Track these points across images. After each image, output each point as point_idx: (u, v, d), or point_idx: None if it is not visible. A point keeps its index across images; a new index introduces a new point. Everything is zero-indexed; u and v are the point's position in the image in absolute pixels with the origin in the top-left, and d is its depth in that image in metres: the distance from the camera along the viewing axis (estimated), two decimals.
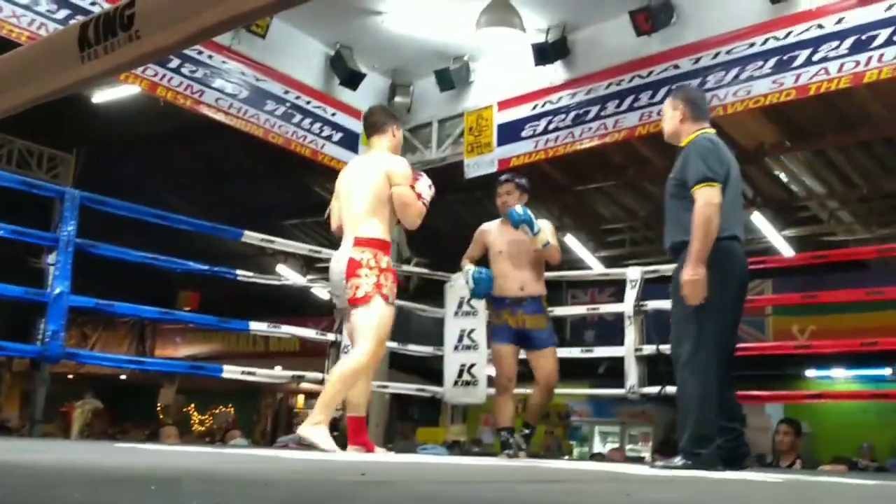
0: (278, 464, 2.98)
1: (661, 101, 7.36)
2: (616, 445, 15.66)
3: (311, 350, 11.93)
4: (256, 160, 12.41)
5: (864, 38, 6.31)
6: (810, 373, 14.13)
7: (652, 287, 6.57)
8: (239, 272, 6.39)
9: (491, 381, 6.45)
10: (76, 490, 1.54)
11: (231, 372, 6.33)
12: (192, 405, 20.47)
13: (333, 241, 15.85)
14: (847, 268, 10.48)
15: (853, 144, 9.90)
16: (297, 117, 8.39)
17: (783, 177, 10.85)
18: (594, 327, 13.43)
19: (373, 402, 9.52)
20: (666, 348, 6.25)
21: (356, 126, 8.90)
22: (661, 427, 15.70)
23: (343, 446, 4.71)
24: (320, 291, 13.03)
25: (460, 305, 7.09)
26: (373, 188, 4.72)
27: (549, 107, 8.17)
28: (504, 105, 8.39)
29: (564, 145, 8.00)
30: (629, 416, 16.43)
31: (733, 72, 6.99)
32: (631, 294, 6.46)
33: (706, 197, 4.09)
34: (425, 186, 4.87)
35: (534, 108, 8.24)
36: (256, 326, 6.69)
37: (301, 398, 20.14)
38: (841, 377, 14.03)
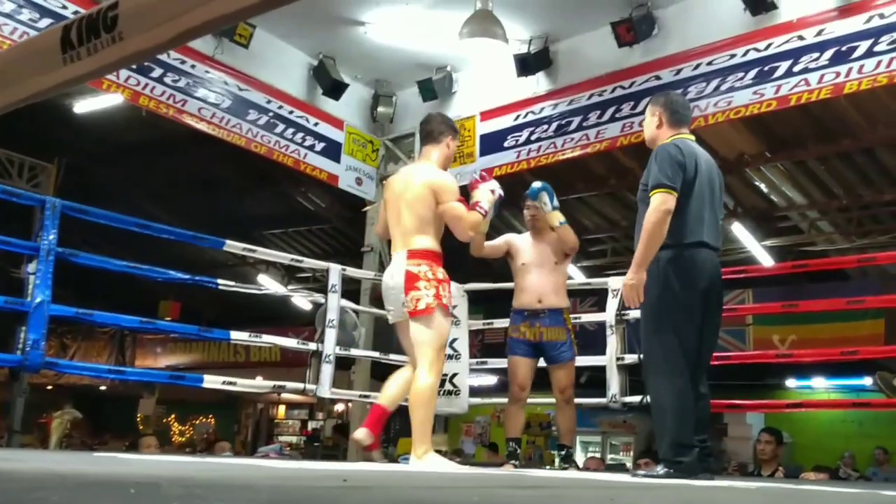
0: (259, 471, 2.97)
1: (643, 112, 7.40)
2: (597, 454, 15.67)
3: (293, 360, 11.91)
4: (239, 170, 12.39)
5: (843, 49, 6.37)
6: (791, 382, 14.20)
7: None
8: (220, 281, 6.36)
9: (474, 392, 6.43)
10: (55, 494, 1.53)
11: (212, 382, 6.28)
12: (173, 416, 20.36)
13: (314, 251, 15.76)
14: (827, 277, 10.56)
15: (833, 155, 9.96)
16: (280, 127, 8.38)
17: (763, 187, 10.90)
18: (576, 336, 13.43)
19: (353, 412, 9.53)
20: None
21: (339, 136, 8.90)
22: (642, 436, 15.73)
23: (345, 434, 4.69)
24: (301, 301, 13.06)
25: None
26: (419, 204, 4.67)
27: (531, 117, 8.20)
28: (486, 115, 8.41)
29: (546, 155, 8.03)
30: (611, 425, 16.44)
31: (714, 83, 7.03)
32: (612, 303, 6.45)
33: (656, 203, 4.07)
34: (486, 192, 4.82)
35: (516, 118, 8.26)
36: (238, 336, 6.63)
37: (282, 408, 20.08)
38: (821, 387, 14.10)
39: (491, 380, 12.23)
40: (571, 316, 5.90)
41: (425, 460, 4.43)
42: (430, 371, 4.51)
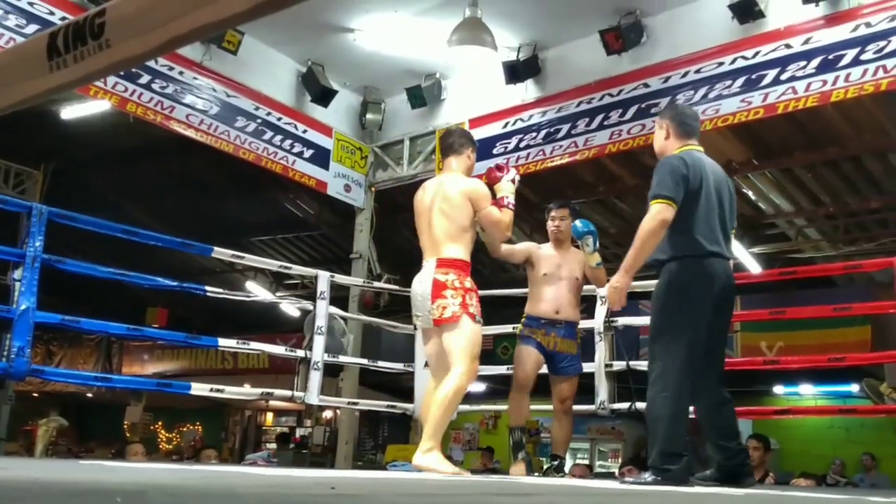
0: (246, 479, 2.96)
1: (631, 120, 7.46)
2: (585, 461, 15.66)
3: (281, 367, 11.87)
4: (227, 177, 12.37)
5: (830, 57, 6.41)
6: (778, 389, 14.22)
7: None
8: (208, 288, 6.34)
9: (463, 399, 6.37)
10: (40, 503, 1.52)
11: (199, 389, 6.25)
12: (160, 423, 20.28)
13: (303, 258, 15.74)
14: (814, 284, 10.58)
15: (820, 163, 10.00)
16: (268, 134, 8.37)
17: (751, 194, 10.93)
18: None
19: (342, 419, 9.52)
20: (636, 364, 6.31)
21: (327, 143, 8.90)
22: (630, 443, 15.74)
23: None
24: (289, 308, 13.04)
25: None
26: (457, 212, 4.76)
27: (520, 125, 8.22)
28: (475, 123, 8.42)
29: (535, 163, 8.04)
30: (599, 432, 16.45)
31: (702, 90, 7.07)
32: (601, 310, 6.47)
33: (652, 212, 4.11)
34: (508, 184, 4.93)
35: (505, 125, 8.28)
36: (225, 343, 6.60)
37: (270, 415, 20.03)
38: (809, 393, 14.12)
39: (479, 387, 12.22)
40: None
41: (428, 457, 4.49)
42: (463, 375, 4.57)
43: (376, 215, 9.42)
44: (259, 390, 7.05)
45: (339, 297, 7.80)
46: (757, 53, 6.81)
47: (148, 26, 1.39)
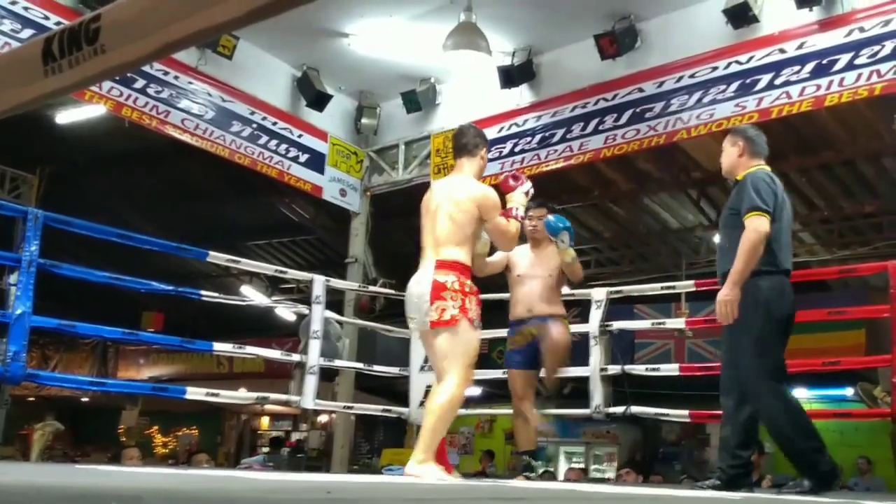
0: (242, 483, 2.96)
1: (626, 124, 7.47)
2: (581, 465, 15.65)
3: (276, 371, 11.88)
4: (222, 181, 12.36)
5: (824, 62, 6.42)
6: None
7: (616, 307, 6.58)
8: (203, 292, 6.35)
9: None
10: None
11: (195, 393, 6.24)
12: (155, 427, 20.25)
13: (298, 262, 15.71)
14: (809, 288, 10.58)
15: (814, 167, 10.02)
16: (264, 138, 8.37)
17: None
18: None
19: (337, 423, 9.50)
20: (630, 368, 6.32)
21: (322, 147, 8.91)
22: (626, 447, 15.73)
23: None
24: (285, 312, 13.03)
25: None
26: (462, 216, 4.60)
27: (514, 129, 8.22)
28: None
29: (530, 167, 8.04)
30: (594, 436, 16.43)
31: (696, 95, 7.08)
32: (596, 314, 6.47)
33: (755, 224, 4.23)
34: (521, 196, 4.82)
35: (500, 130, 8.28)
36: (221, 347, 6.60)
37: (265, 420, 20.00)
38: (803, 396, 14.08)
39: (475, 391, 12.22)
40: None
41: (422, 467, 4.27)
42: (457, 384, 4.38)
43: (372, 219, 9.43)
44: (255, 394, 7.05)
45: (335, 301, 7.80)
46: (751, 58, 6.82)
47: (143, 31, 1.39)
